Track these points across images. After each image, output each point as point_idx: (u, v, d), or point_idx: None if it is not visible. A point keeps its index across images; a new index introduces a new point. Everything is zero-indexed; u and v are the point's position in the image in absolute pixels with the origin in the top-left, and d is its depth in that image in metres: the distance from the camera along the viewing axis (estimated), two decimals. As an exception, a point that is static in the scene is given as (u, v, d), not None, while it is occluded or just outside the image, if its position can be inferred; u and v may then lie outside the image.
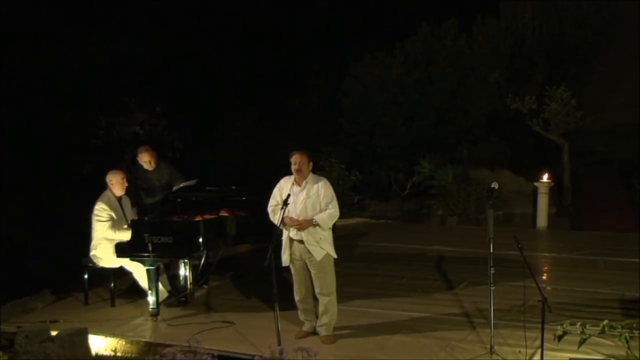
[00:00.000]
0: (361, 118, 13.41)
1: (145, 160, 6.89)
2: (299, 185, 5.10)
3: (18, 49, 11.58)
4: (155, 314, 5.82)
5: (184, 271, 6.24)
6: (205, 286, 6.82)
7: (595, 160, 13.66)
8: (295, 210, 5.04)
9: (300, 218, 5.02)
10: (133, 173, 7.04)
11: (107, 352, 5.37)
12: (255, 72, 15.87)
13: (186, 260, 6.17)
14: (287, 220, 5.01)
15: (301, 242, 5.04)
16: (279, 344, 4.57)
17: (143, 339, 5.38)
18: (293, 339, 5.08)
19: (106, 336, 5.44)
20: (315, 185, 5.09)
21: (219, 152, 14.26)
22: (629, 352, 4.14)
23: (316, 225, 5.00)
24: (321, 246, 5.03)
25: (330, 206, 5.06)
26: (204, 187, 6.72)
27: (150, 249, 5.72)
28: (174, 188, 6.75)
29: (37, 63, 11.76)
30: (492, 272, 4.75)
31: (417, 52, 13.89)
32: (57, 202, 10.09)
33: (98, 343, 5.40)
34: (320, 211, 5.03)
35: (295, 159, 5.06)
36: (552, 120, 10.98)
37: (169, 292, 6.36)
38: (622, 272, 7.14)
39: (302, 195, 5.06)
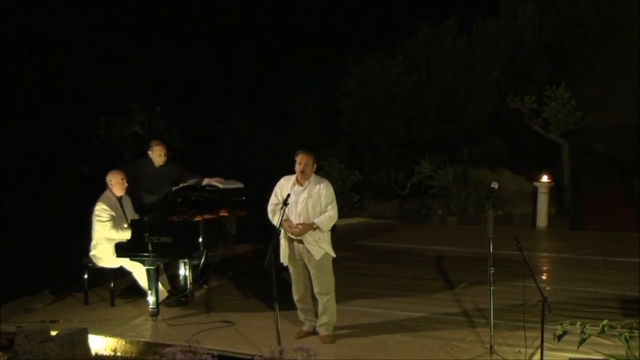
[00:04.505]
0: (361, 118, 13.41)
1: (160, 153, 6.76)
2: (301, 185, 5.09)
3: (19, 49, 11.59)
4: (155, 314, 5.82)
5: (183, 271, 6.23)
6: (205, 286, 6.81)
7: (595, 160, 13.66)
8: (295, 209, 5.04)
9: (301, 217, 5.01)
10: (135, 171, 6.94)
11: (107, 352, 5.37)
12: (255, 72, 15.88)
13: (186, 260, 6.17)
14: (286, 227, 5.02)
15: (300, 241, 5.04)
16: (279, 344, 4.57)
17: (143, 339, 5.38)
18: (293, 339, 5.07)
19: (106, 336, 5.44)
20: (318, 186, 5.09)
21: (219, 152, 14.26)
22: (628, 352, 4.14)
23: (316, 228, 5.00)
24: (320, 245, 5.03)
25: (329, 207, 5.05)
26: (204, 187, 6.71)
27: (150, 248, 5.72)
28: (174, 188, 6.73)
29: (37, 63, 11.76)
30: (492, 272, 4.75)
31: (417, 52, 13.90)
32: (57, 202, 10.09)
33: (98, 343, 5.40)
34: (320, 212, 5.02)
35: (301, 159, 5.04)
36: (552, 120, 10.98)
37: (168, 291, 6.35)
38: (622, 271, 7.15)
39: (304, 195, 5.05)
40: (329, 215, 5.03)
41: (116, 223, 6.11)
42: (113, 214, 6.12)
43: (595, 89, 14.12)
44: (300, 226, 4.99)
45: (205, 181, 6.66)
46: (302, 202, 5.03)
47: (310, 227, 4.98)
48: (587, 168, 12.98)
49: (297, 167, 5.05)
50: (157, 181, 6.78)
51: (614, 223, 10.09)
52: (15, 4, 11.51)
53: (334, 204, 5.09)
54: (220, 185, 6.59)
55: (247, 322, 5.66)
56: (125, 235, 5.97)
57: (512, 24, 14.16)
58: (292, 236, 5.08)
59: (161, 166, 6.82)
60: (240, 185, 6.72)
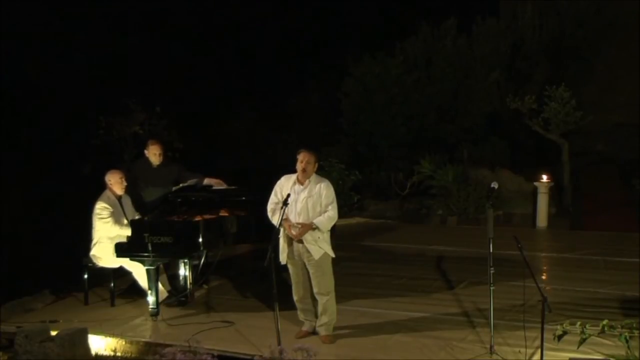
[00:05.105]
0: (361, 118, 13.42)
1: (156, 152, 6.72)
2: (302, 184, 5.09)
3: (18, 49, 11.59)
4: (155, 314, 5.82)
5: (183, 271, 6.24)
6: (205, 286, 6.82)
7: (595, 160, 13.65)
8: (295, 208, 5.04)
9: (300, 216, 5.01)
10: (134, 171, 6.93)
11: (107, 352, 5.38)
12: (255, 72, 15.88)
13: (186, 260, 6.17)
14: (285, 226, 5.02)
15: (300, 240, 5.04)
16: (279, 344, 4.57)
17: (143, 339, 5.38)
18: (293, 339, 5.07)
19: (106, 336, 5.44)
20: (318, 185, 5.09)
21: (219, 152, 14.26)
22: (628, 352, 4.14)
23: (315, 228, 5.00)
24: (319, 245, 5.02)
25: (329, 207, 5.04)
26: (204, 187, 6.71)
27: (150, 249, 5.72)
28: (174, 188, 6.73)
29: (37, 63, 11.76)
30: (492, 272, 4.75)
31: (417, 52, 13.91)
32: (57, 201, 10.09)
33: (98, 343, 5.40)
34: (320, 212, 5.02)
35: (303, 157, 5.03)
36: (552, 120, 10.98)
37: (168, 291, 6.35)
38: (622, 271, 7.14)
39: (304, 194, 5.05)
40: (328, 216, 5.02)
41: (117, 220, 6.13)
42: (114, 211, 6.13)
43: (595, 89, 14.09)
44: (299, 225, 4.99)
45: (206, 181, 6.66)
46: (302, 201, 5.03)
47: (309, 227, 4.98)
48: (587, 168, 12.97)
49: (299, 166, 5.05)
50: (155, 181, 6.75)
51: (614, 223, 10.08)
52: (15, 4, 11.52)
53: (334, 204, 5.08)
54: (220, 188, 6.61)
55: (247, 322, 5.67)
56: (127, 231, 5.97)
57: (512, 24, 14.16)
58: (291, 237, 5.08)
59: (159, 166, 6.80)
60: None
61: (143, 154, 6.92)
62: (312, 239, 5.01)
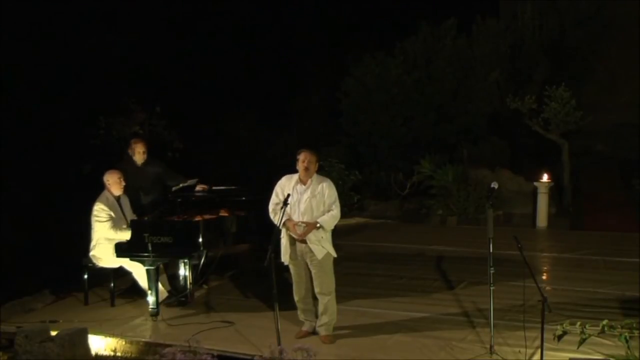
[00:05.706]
0: (361, 118, 13.42)
1: (140, 151, 6.73)
2: (304, 184, 5.08)
3: (18, 49, 11.58)
4: (155, 314, 5.83)
5: (183, 271, 6.24)
6: (205, 286, 6.82)
7: (595, 160, 13.66)
8: (298, 208, 5.04)
9: (304, 217, 5.01)
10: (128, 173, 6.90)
11: (107, 352, 5.38)
12: (255, 71, 15.88)
13: (186, 260, 6.17)
14: (289, 226, 5.02)
15: (303, 241, 5.04)
16: (279, 343, 4.57)
17: (143, 339, 5.38)
18: (293, 339, 5.08)
19: (106, 336, 5.44)
20: (320, 185, 5.09)
21: (219, 152, 14.26)
22: (628, 352, 4.15)
23: (319, 227, 5.00)
24: (322, 245, 5.03)
25: (333, 207, 5.06)
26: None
27: (150, 249, 5.72)
28: (174, 188, 6.72)
29: (36, 63, 11.75)
30: (492, 272, 4.75)
31: (417, 52, 13.90)
32: (57, 202, 10.08)
33: (98, 343, 5.40)
34: (324, 211, 5.02)
35: (305, 157, 5.04)
36: (552, 120, 10.98)
37: (168, 292, 6.36)
38: (622, 271, 7.14)
39: (307, 194, 5.05)
40: (332, 215, 5.03)
41: (115, 223, 6.12)
42: (111, 213, 6.13)
43: (595, 89, 14.11)
44: (303, 224, 4.99)
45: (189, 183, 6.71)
46: (306, 202, 5.02)
47: (313, 226, 4.99)
48: (587, 168, 12.98)
49: (301, 165, 5.05)
50: (140, 180, 6.74)
51: (614, 223, 10.09)
52: (15, 3, 11.51)
53: (337, 203, 5.10)
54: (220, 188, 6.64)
55: (247, 322, 5.67)
56: (125, 235, 5.97)
57: (512, 24, 14.16)
58: (294, 237, 5.08)
59: (143, 164, 6.79)
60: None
61: (127, 154, 6.90)
62: (315, 239, 5.01)
